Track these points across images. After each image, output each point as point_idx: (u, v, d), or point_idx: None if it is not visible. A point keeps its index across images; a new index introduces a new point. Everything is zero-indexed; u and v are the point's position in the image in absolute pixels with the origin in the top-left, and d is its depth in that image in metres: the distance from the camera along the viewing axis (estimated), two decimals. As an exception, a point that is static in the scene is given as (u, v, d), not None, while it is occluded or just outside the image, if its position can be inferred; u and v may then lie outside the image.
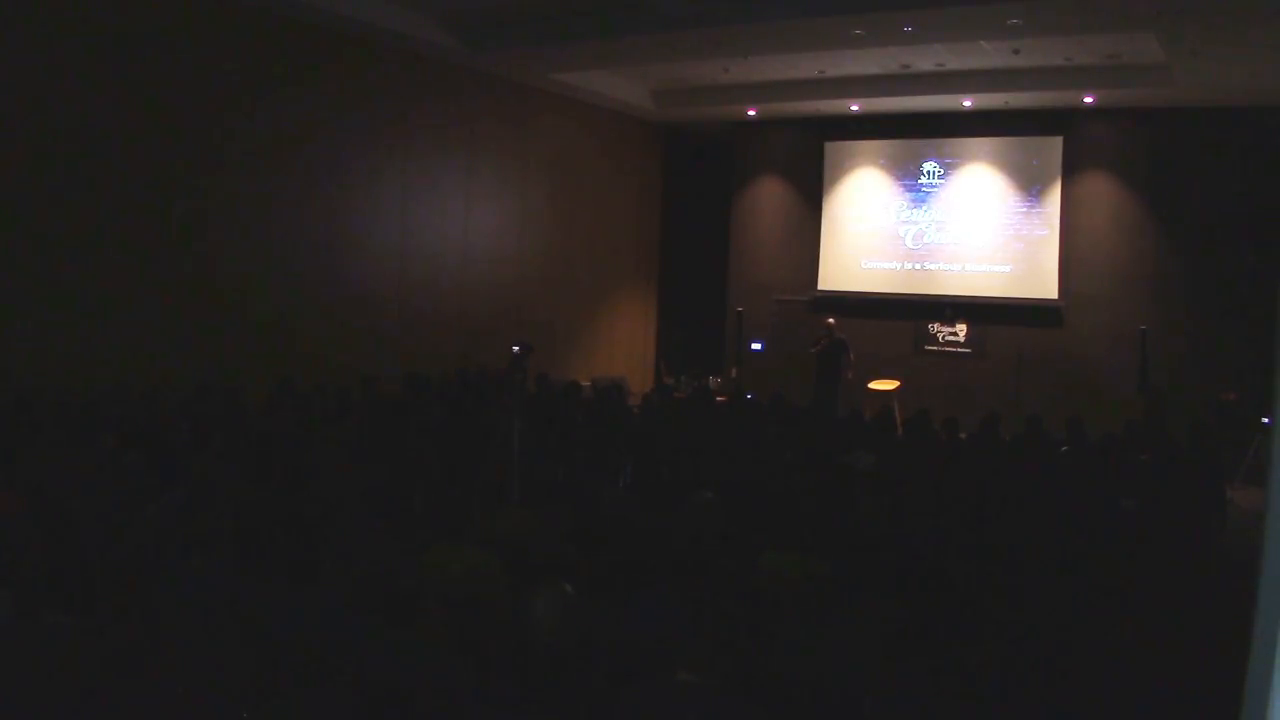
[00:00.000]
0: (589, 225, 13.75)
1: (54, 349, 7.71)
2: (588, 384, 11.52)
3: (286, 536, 4.00)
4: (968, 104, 12.41)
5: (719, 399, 11.26)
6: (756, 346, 13.95)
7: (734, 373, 13.43)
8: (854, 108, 13.07)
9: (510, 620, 3.31)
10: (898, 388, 12.10)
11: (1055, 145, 12.52)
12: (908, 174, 13.46)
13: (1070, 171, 12.47)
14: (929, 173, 13.30)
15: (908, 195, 13.46)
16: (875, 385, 12.22)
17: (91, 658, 2.92)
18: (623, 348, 14.61)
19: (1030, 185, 12.68)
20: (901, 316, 13.12)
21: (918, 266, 13.40)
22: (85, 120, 7.97)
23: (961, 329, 12.94)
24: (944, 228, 13.23)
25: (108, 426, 6.48)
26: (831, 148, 13.92)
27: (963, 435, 8.42)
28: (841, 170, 13.89)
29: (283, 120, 9.57)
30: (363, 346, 10.31)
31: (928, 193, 13.33)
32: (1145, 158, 12.00)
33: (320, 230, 10.03)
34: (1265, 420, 8.82)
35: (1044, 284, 12.58)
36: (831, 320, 12.22)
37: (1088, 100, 11.80)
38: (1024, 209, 12.73)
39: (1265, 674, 1.35)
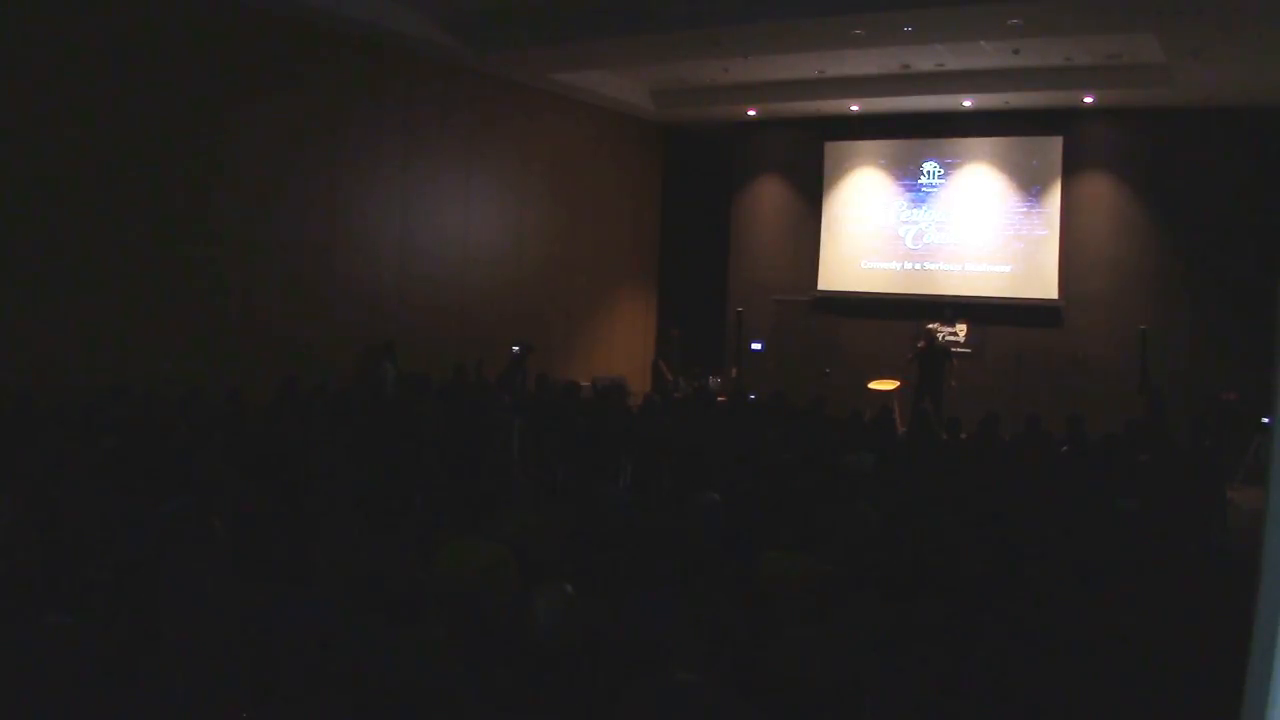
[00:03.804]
0: (589, 225, 13.75)
1: (54, 349, 7.71)
2: (588, 384, 11.52)
3: (287, 537, 4.00)
4: (968, 104, 12.40)
5: (719, 399, 11.25)
6: (756, 346, 13.95)
7: (734, 373, 13.43)
8: (854, 108, 13.06)
9: (511, 620, 3.31)
10: (898, 388, 12.09)
11: (1055, 145, 12.51)
12: (908, 174, 13.46)
13: (1070, 171, 12.46)
14: (929, 173, 13.30)
15: (908, 195, 13.45)
16: (875, 385, 12.21)
17: (91, 658, 2.92)
18: (623, 348, 14.60)
19: (1030, 185, 12.68)
20: (901, 316, 13.10)
21: (918, 266, 13.40)
22: (85, 120, 7.97)
23: (961, 329, 12.92)
24: (944, 228, 13.23)
25: (108, 426, 6.48)
26: (831, 148, 13.91)
27: (963, 435, 8.42)
28: (841, 170, 13.88)
29: (283, 120, 9.56)
30: (363, 346, 10.31)
31: (928, 193, 13.32)
32: (1145, 158, 11.99)
33: (320, 230, 10.03)
34: (1265, 420, 8.82)
35: (1044, 284, 12.58)
36: (932, 325, 12.01)
37: (1088, 100, 11.79)
38: (1024, 209, 12.73)
39: (1265, 674, 1.35)
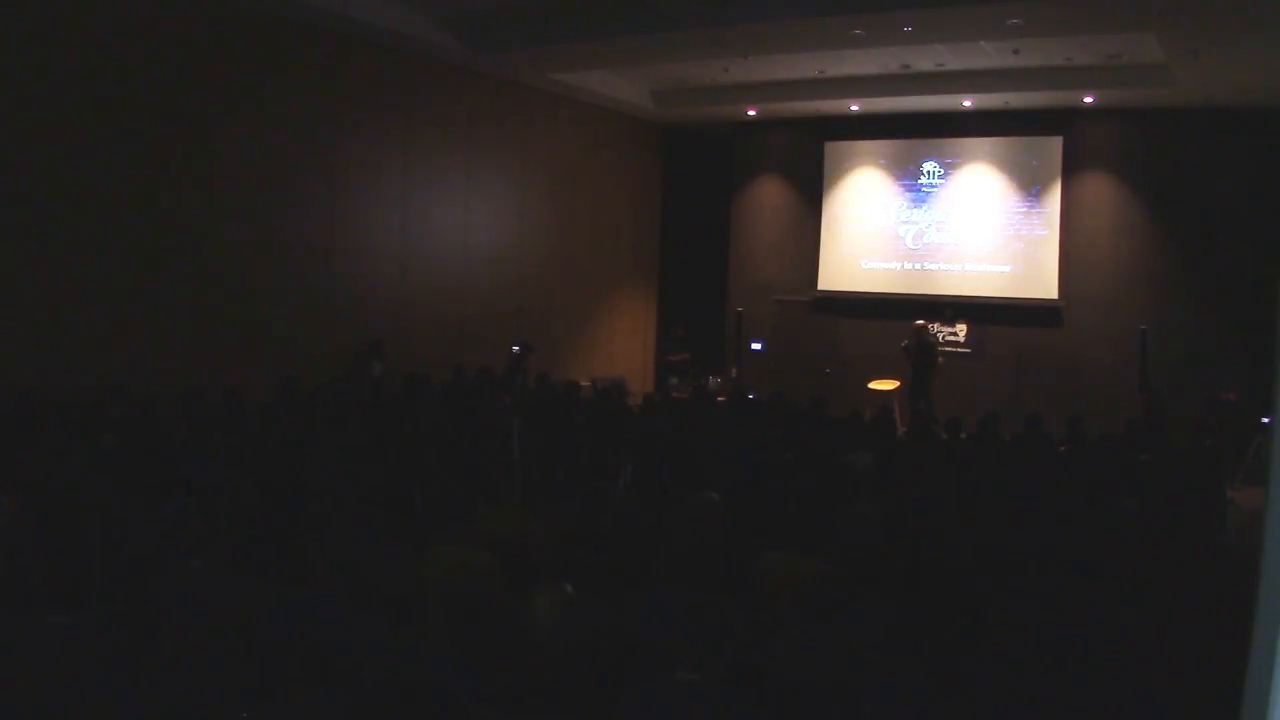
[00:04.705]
0: (589, 225, 13.75)
1: (54, 349, 7.71)
2: (588, 384, 11.52)
3: (286, 537, 4.00)
4: (968, 104, 12.40)
5: (719, 399, 11.25)
6: (756, 346, 13.95)
7: (734, 373, 13.43)
8: (854, 108, 13.06)
9: (510, 620, 3.31)
10: (898, 388, 12.09)
11: (1055, 145, 12.51)
12: (908, 174, 13.46)
13: (1070, 171, 12.46)
14: (929, 173, 13.30)
15: (908, 195, 13.45)
16: (875, 385, 12.22)
17: (91, 658, 2.92)
18: (623, 348, 14.60)
19: (1030, 185, 12.68)
20: (901, 316, 13.09)
21: (918, 266, 13.40)
22: (84, 120, 7.97)
23: (961, 329, 12.93)
24: (944, 228, 13.23)
25: (108, 426, 6.49)
26: (831, 148, 13.91)
27: (963, 435, 8.42)
28: (841, 170, 13.88)
29: (283, 120, 9.56)
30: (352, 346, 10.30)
31: (928, 193, 13.32)
32: (1145, 158, 11.99)
33: (320, 230, 10.03)
34: (1265, 420, 8.82)
35: (1044, 284, 12.58)
36: (920, 322, 12.02)
37: (1088, 100, 11.79)
38: (1024, 209, 12.73)
39: (1265, 674, 1.35)
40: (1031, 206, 12.67)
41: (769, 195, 14.49)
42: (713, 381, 13.13)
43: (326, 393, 8.50)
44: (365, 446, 6.77)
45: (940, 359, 11.80)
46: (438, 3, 9.94)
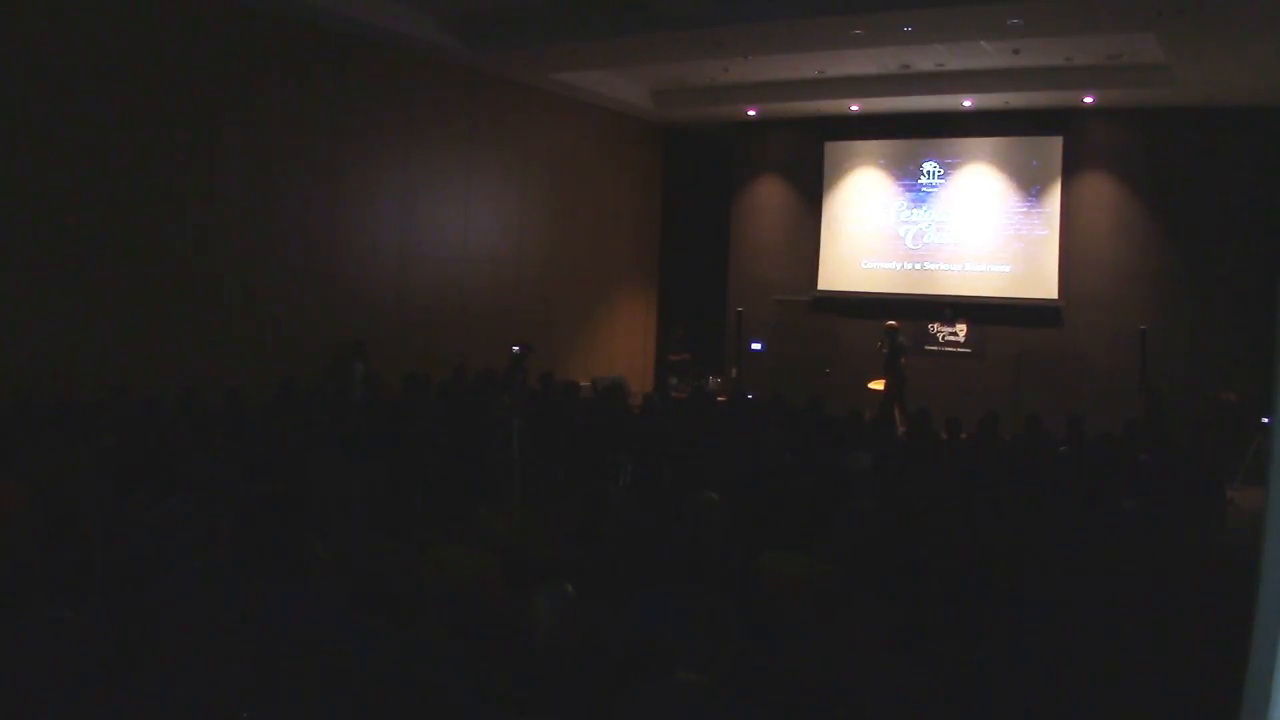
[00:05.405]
0: (589, 225, 13.75)
1: (54, 349, 7.71)
2: (588, 384, 11.52)
3: (286, 537, 4.00)
4: (968, 104, 12.40)
5: (719, 399, 11.25)
6: (756, 346, 13.95)
7: (734, 373, 13.43)
8: (854, 108, 13.06)
9: (510, 620, 3.31)
10: (897, 388, 12.07)
11: (1055, 145, 12.51)
12: (908, 174, 13.46)
13: (1070, 171, 12.46)
14: (929, 173, 13.29)
15: (908, 195, 13.45)
16: (875, 385, 12.20)
17: (91, 657, 2.92)
18: (623, 348, 14.61)
19: (1030, 185, 12.68)
20: (901, 316, 13.08)
21: (918, 266, 13.40)
22: (84, 120, 7.97)
23: (961, 329, 12.93)
24: (944, 228, 13.22)
25: (108, 426, 6.48)
26: (831, 148, 13.91)
27: (963, 435, 8.41)
28: (841, 170, 13.88)
29: (282, 120, 9.57)
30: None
31: (928, 193, 13.32)
32: (1145, 158, 11.99)
33: (320, 230, 10.03)
34: (1265, 420, 8.82)
35: (1044, 284, 12.58)
36: (892, 323, 11.95)
37: (1088, 100, 11.79)
38: (1024, 209, 12.73)
39: (1265, 674, 1.35)
40: (1031, 206, 12.67)
41: (769, 195, 14.49)
42: (713, 381, 13.12)
43: (320, 393, 8.50)
44: (365, 446, 6.76)
45: (903, 360, 11.66)
46: (438, 3, 9.95)
